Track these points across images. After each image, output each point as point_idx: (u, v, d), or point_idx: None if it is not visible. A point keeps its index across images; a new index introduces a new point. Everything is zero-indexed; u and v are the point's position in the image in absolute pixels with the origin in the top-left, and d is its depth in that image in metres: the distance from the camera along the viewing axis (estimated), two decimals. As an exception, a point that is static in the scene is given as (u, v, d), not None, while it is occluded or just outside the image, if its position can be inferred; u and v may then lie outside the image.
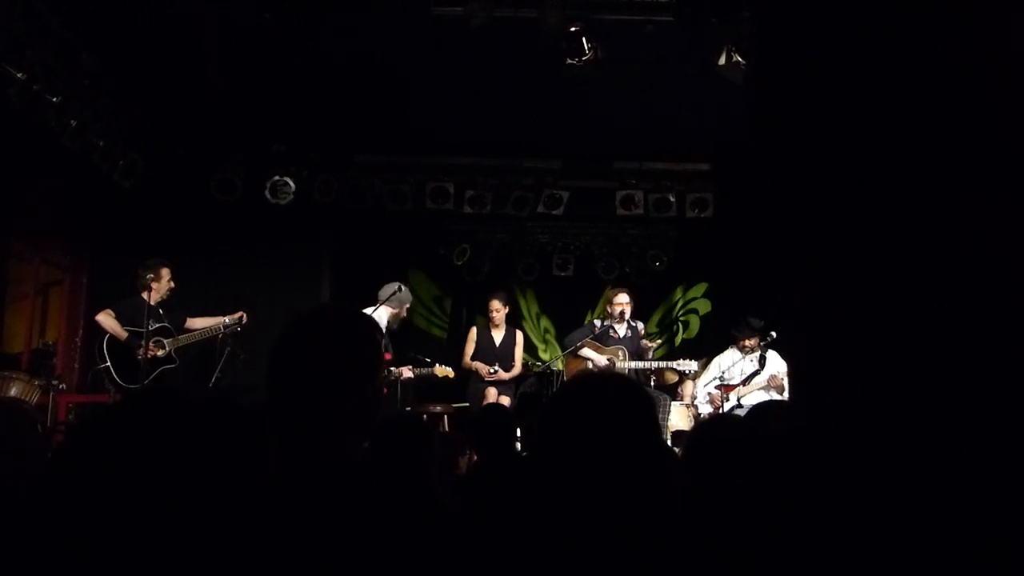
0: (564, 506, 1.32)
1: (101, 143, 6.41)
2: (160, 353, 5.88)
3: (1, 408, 2.31)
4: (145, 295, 5.80)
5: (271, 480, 1.03)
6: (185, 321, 6.23)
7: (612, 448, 1.35)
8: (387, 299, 6.42)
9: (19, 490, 1.80)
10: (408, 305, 6.52)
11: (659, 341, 6.81)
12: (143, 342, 5.70)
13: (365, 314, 1.70)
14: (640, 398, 1.45)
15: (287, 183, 7.61)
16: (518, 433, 7.11)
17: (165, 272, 5.95)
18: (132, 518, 0.77)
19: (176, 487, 0.80)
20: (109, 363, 5.74)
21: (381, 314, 6.35)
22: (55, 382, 5.90)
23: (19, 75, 5.22)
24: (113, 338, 5.78)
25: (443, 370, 6.79)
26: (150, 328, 5.77)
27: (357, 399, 1.43)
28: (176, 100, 6.79)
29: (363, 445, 1.48)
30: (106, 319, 5.80)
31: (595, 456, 1.34)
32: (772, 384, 6.66)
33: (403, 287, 6.54)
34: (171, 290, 6.00)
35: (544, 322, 9.65)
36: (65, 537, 0.76)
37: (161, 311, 5.99)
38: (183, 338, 6.11)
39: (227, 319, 6.16)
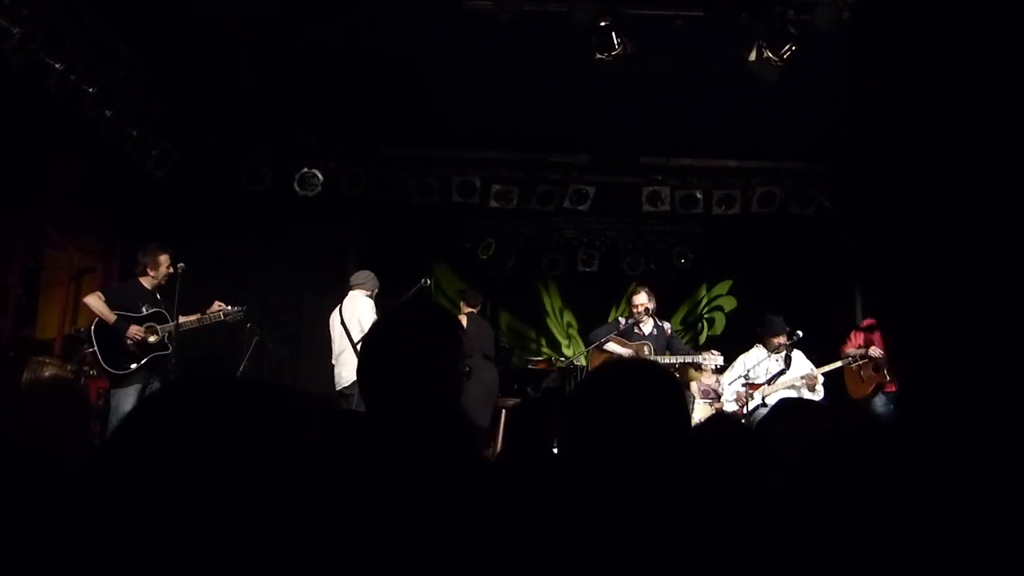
0: (595, 494, 1.32)
1: (135, 133, 6.49)
2: (152, 339, 5.65)
3: (56, 384, 2.38)
4: (142, 280, 5.74)
5: (364, 453, 1.07)
6: (178, 317, 5.89)
7: (642, 436, 1.34)
8: (361, 283, 6.38)
9: (70, 465, 1.88)
10: (376, 290, 6.42)
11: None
12: (132, 326, 5.56)
13: (447, 310, 1.85)
14: (669, 385, 1.45)
15: (315, 175, 7.68)
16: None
17: (163, 258, 5.76)
18: (191, 503, 0.79)
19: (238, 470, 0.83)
20: (96, 347, 5.53)
21: (357, 296, 6.30)
22: (87, 368, 5.95)
23: (57, 65, 5.32)
24: (103, 321, 5.53)
25: None
26: (144, 313, 5.64)
27: (440, 384, 1.57)
28: (208, 91, 6.86)
29: (443, 425, 1.61)
30: (94, 301, 5.59)
31: (625, 443, 1.33)
32: (808, 383, 6.60)
33: (369, 272, 6.47)
34: (169, 276, 5.76)
35: (568, 317, 9.65)
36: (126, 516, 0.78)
37: (159, 296, 5.81)
38: (181, 324, 5.81)
39: (229, 308, 5.98)
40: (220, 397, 0.87)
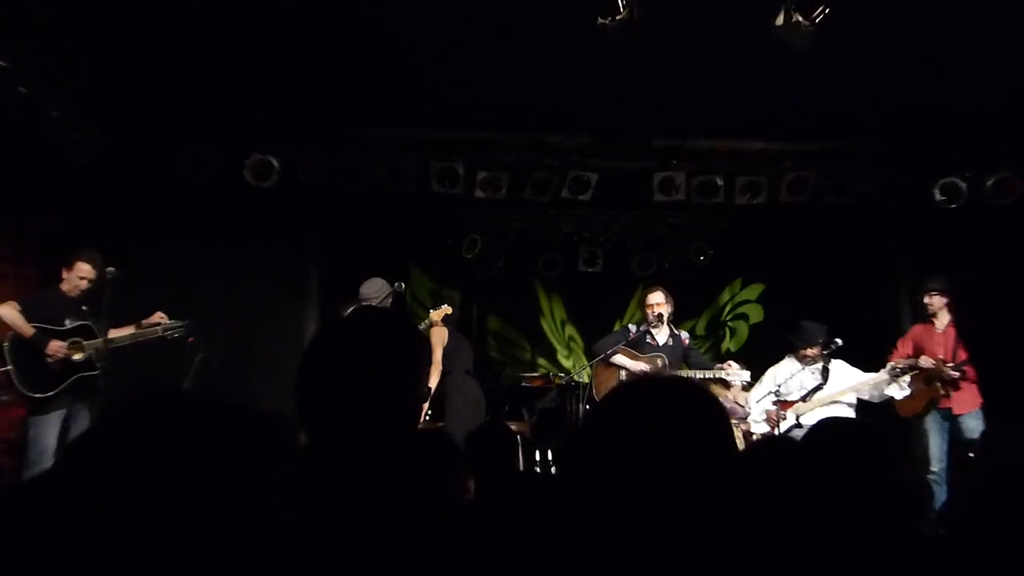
0: (617, 549, 1.26)
1: (54, 114, 6.39)
2: (77, 357, 5.60)
3: None
4: (65, 288, 5.70)
5: (298, 487, 1.10)
6: (107, 331, 5.84)
7: (679, 476, 1.28)
8: (373, 295, 6.48)
9: None
10: (391, 302, 6.60)
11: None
12: (53, 342, 5.52)
13: (407, 319, 1.82)
14: (714, 409, 1.38)
15: (269, 161, 7.56)
16: (536, 456, 7.25)
17: (82, 266, 5.73)
18: (140, 526, 0.83)
19: (189, 494, 0.86)
20: (12, 366, 5.45)
21: None
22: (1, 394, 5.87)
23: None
24: (19, 336, 5.50)
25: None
26: (68, 327, 5.59)
27: (395, 409, 1.53)
28: (141, 64, 6.73)
29: (398, 458, 1.56)
30: (8, 312, 5.52)
31: (658, 486, 1.27)
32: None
33: (383, 281, 6.61)
34: (92, 283, 5.74)
35: (568, 326, 9.71)
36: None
37: (85, 307, 5.76)
38: (112, 340, 5.78)
39: (169, 321, 5.99)
40: (186, 421, 0.92)
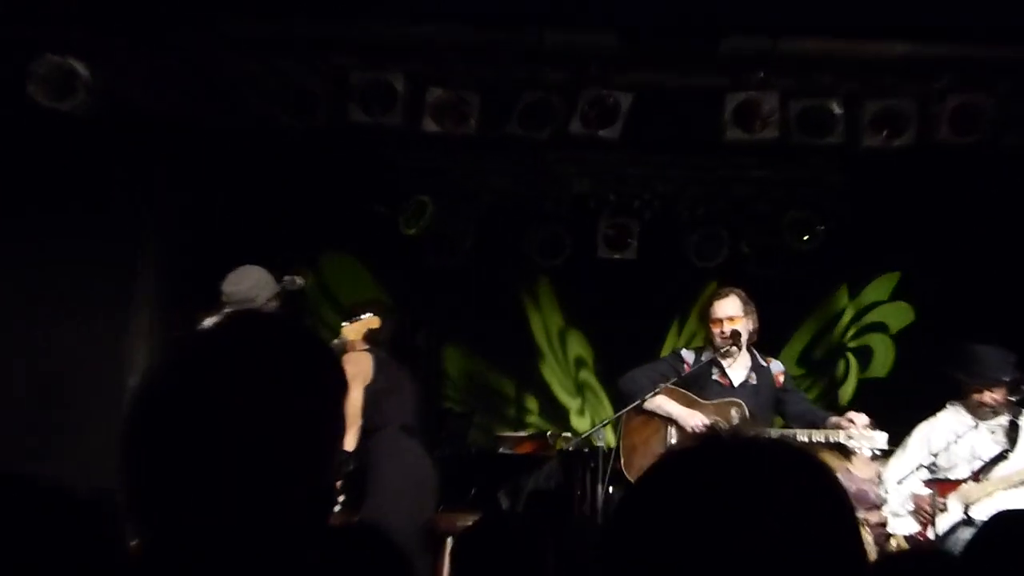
0: None
1: None
2: None
3: None
4: None
5: None
6: None
7: None
8: (248, 296, 6.44)
9: None
10: (276, 303, 6.62)
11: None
12: None
13: (316, 339, 1.90)
14: (830, 493, 1.41)
15: (72, 68, 7.33)
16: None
17: None
18: None
19: None
20: None
21: None
22: None
23: None
24: None
25: None
26: None
27: (294, 491, 1.57)
28: None
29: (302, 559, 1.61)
30: None
31: None
32: None
33: (263, 273, 6.63)
34: None
35: (578, 350, 9.86)
36: None
37: None
38: None
39: None
40: None
